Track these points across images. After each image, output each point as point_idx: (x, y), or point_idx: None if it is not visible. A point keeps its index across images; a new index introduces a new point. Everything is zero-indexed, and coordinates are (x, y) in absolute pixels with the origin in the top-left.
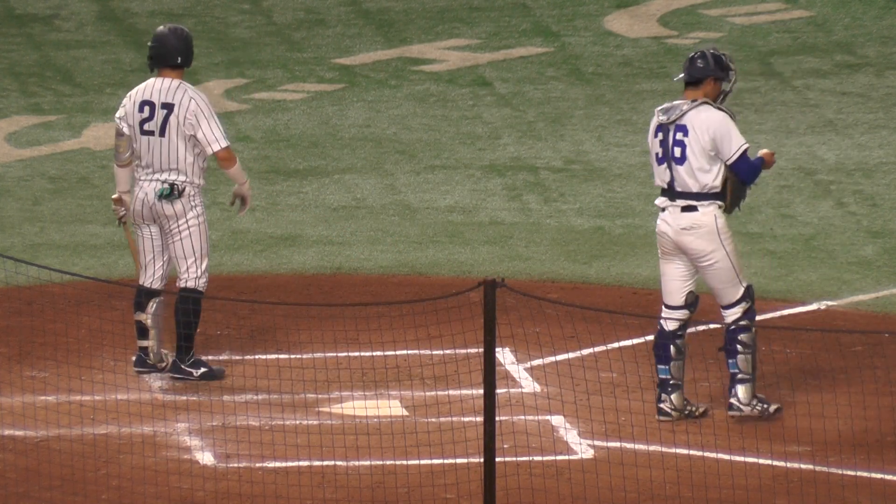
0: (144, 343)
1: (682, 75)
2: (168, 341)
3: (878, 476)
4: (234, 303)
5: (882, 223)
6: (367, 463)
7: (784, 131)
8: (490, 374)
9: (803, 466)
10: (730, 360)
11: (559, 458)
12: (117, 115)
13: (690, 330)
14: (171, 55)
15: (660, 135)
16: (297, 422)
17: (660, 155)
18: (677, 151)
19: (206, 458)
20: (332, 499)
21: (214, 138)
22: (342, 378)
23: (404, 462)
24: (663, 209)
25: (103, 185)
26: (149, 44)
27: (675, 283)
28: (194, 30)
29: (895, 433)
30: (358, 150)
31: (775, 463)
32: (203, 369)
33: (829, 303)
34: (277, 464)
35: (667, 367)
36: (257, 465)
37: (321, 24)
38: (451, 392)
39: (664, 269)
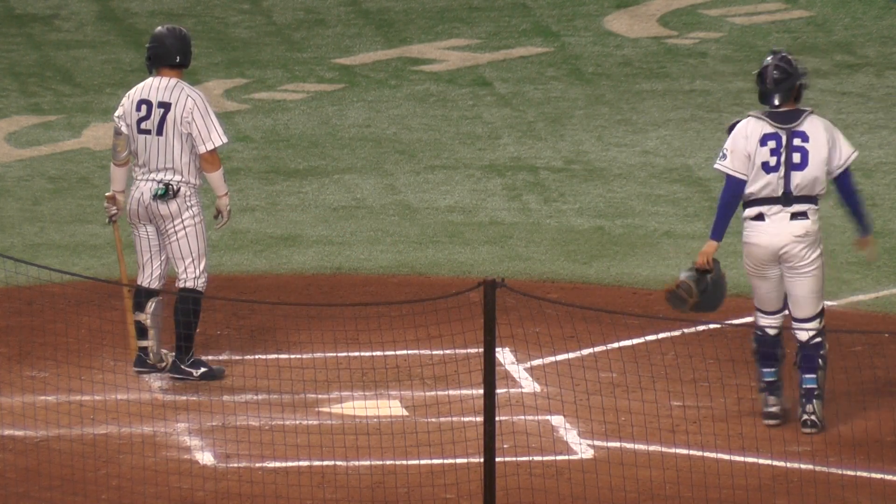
0: (144, 343)
1: (770, 89)
2: (167, 341)
3: (878, 476)
4: (234, 303)
5: (882, 223)
6: (367, 463)
7: None
8: (490, 374)
9: (803, 466)
10: (808, 376)
11: (559, 458)
12: (116, 114)
13: (689, 330)
14: (169, 55)
15: (770, 143)
16: (297, 422)
17: (772, 164)
18: (797, 157)
19: (206, 458)
20: (332, 499)
21: (209, 137)
22: (342, 378)
23: (404, 462)
24: (757, 218)
25: (103, 185)
26: (147, 44)
27: (774, 292)
28: (194, 30)
29: (895, 433)
30: (358, 150)
31: (775, 463)
32: (203, 369)
33: (830, 303)
34: (277, 464)
35: (774, 369)
36: (257, 465)
37: (321, 24)
38: (451, 392)
39: (759, 284)
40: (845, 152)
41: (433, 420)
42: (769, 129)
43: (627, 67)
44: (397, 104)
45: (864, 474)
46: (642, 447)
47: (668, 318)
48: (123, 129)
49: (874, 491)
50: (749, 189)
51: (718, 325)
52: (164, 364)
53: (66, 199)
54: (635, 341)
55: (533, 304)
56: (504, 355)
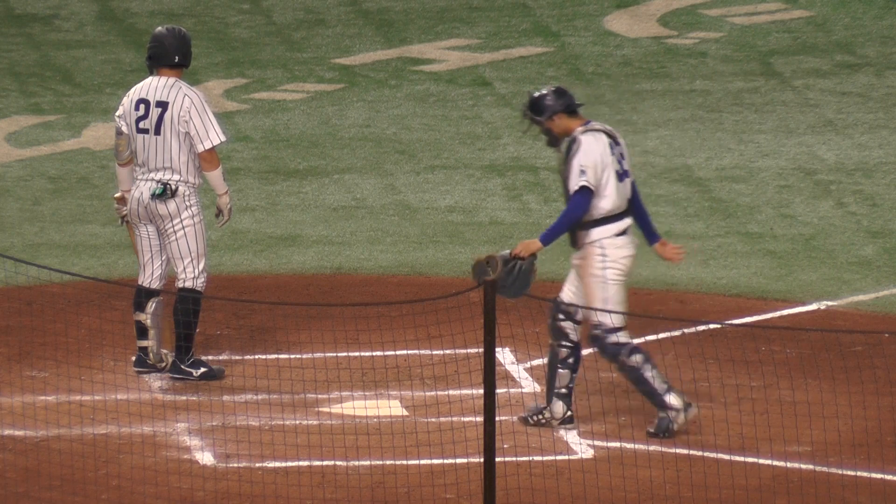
0: (144, 343)
1: (577, 103)
2: (168, 341)
3: (878, 476)
4: (234, 303)
5: (882, 223)
6: (367, 463)
7: (784, 131)
8: (490, 374)
9: (803, 466)
10: (577, 374)
11: (559, 458)
12: (116, 113)
13: (689, 330)
14: (167, 55)
15: (615, 151)
16: (297, 422)
17: (620, 172)
18: (625, 165)
19: (206, 458)
20: (332, 499)
21: (206, 136)
22: (342, 378)
23: (404, 462)
24: (623, 232)
25: (103, 185)
26: (147, 44)
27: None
28: (194, 30)
29: (895, 433)
30: (358, 150)
31: (775, 463)
32: (203, 369)
33: (829, 303)
34: (277, 464)
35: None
36: (257, 465)
37: (321, 24)
38: (451, 392)
39: (622, 293)
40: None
41: (433, 420)
42: (610, 139)
43: (627, 67)
44: (397, 104)
45: (864, 474)
46: (642, 447)
47: (667, 318)
48: (124, 128)
49: (874, 491)
50: (612, 204)
51: (718, 325)
52: (163, 364)
53: (66, 199)
54: (635, 341)
55: (533, 304)
56: (504, 355)
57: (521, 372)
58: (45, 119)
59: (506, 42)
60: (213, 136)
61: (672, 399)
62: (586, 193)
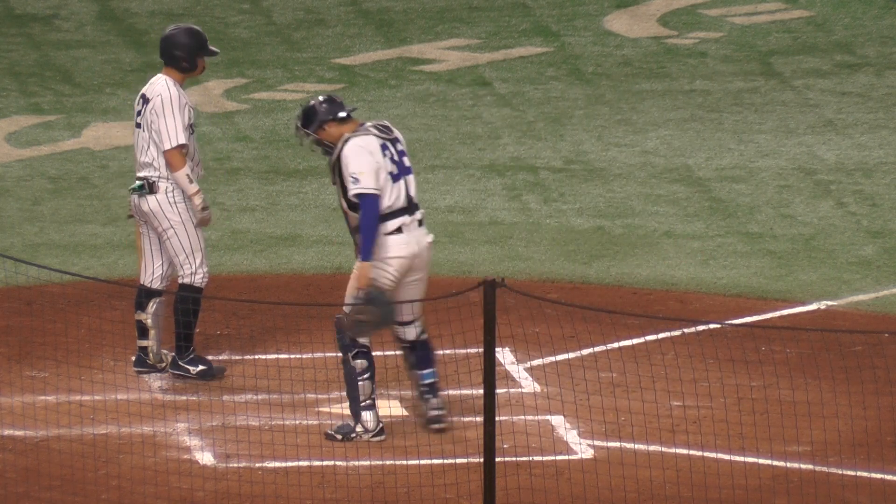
0: (144, 343)
1: (349, 109)
2: (168, 341)
3: (878, 476)
4: (234, 303)
5: (882, 223)
6: (367, 463)
7: (784, 131)
8: (490, 374)
9: (803, 466)
10: (427, 371)
11: (559, 458)
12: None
13: (689, 330)
14: (162, 54)
15: (387, 152)
16: (297, 422)
17: (395, 172)
18: (407, 161)
19: (206, 458)
20: (332, 499)
21: (168, 136)
22: (342, 378)
23: (404, 462)
24: (399, 230)
25: (103, 184)
26: None
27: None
28: None
29: (895, 433)
30: None
31: (775, 463)
32: (201, 367)
33: (829, 303)
34: (277, 464)
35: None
36: (257, 465)
37: (321, 24)
38: (452, 392)
39: (410, 292)
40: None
41: None
42: (383, 139)
43: (627, 67)
44: (397, 104)
45: (864, 474)
46: (642, 447)
47: (668, 318)
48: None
49: (874, 491)
50: (384, 204)
51: (718, 325)
52: (163, 364)
53: (66, 199)
54: (635, 341)
55: (533, 304)
56: (504, 355)
57: (521, 372)
58: (45, 119)
59: (506, 42)
60: (173, 138)
61: (368, 417)
62: (368, 198)
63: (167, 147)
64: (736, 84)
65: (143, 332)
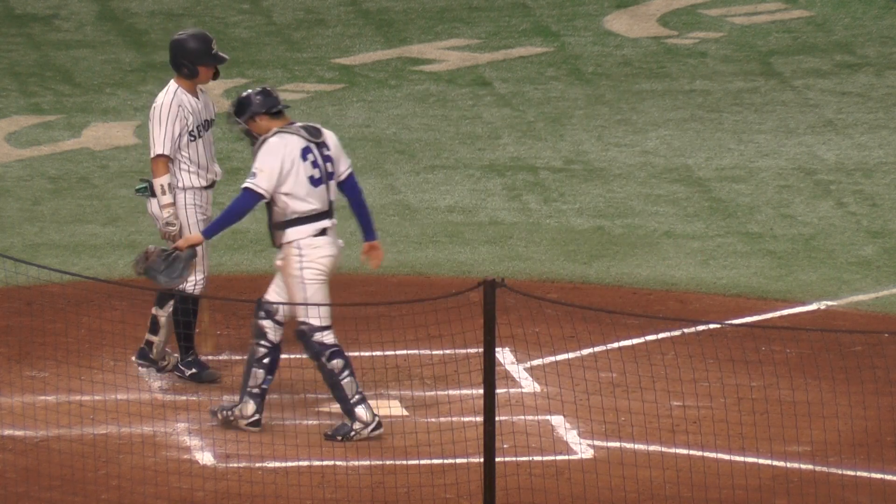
0: (152, 338)
1: (281, 106)
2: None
3: (878, 476)
4: (233, 303)
5: (882, 223)
6: (367, 463)
7: (784, 131)
8: (490, 374)
9: (803, 466)
10: (269, 377)
11: (559, 458)
12: None
13: (689, 330)
14: (169, 60)
15: (310, 156)
16: (297, 422)
17: (316, 176)
18: (330, 167)
19: (206, 458)
20: (332, 499)
21: (152, 144)
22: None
23: (404, 462)
24: (324, 231)
25: (103, 184)
26: None
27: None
28: None
29: (895, 433)
30: (358, 150)
31: (775, 463)
32: (193, 370)
33: (829, 303)
34: (277, 464)
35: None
36: (257, 465)
37: (321, 24)
38: (451, 392)
39: (326, 292)
40: (346, 160)
41: (433, 420)
42: (308, 143)
43: (627, 67)
44: (397, 104)
45: (864, 474)
46: (642, 447)
47: (668, 318)
48: None
49: (874, 491)
50: (305, 207)
51: (718, 325)
52: (165, 363)
53: (66, 199)
54: (635, 341)
55: (533, 304)
56: (504, 355)
57: (520, 372)
58: (45, 119)
59: (506, 42)
60: (157, 146)
61: (361, 411)
62: (249, 195)
63: (151, 154)
64: (736, 84)
65: (154, 326)
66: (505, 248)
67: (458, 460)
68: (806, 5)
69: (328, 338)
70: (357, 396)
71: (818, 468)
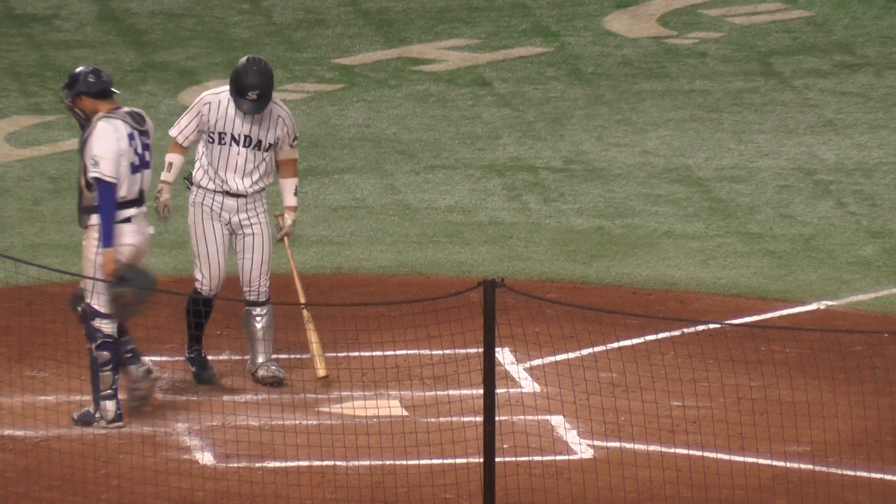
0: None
1: (101, 88)
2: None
3: (878, 476)
4: (233, 303)
5: (882, 223)
6: (367, 463)
7: (784, 131)
8: (490, 374)
9: (803, 466)
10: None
11: (559, 458)
12: None
13: (689, 330)
14: None
15: (133, 143)
16: (297, 422)
17: (136, 164)
18: (148, 156)
19: (206, 458)
20: (331, 499)
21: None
22: (342, 378)
23: (404, 462)
24: (129, 220)
25: None
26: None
27: None
28: (194, 30)
29: (895, 433)
30: (358, 150)
31: (775, 463)
32: (193, 369)
33: (829, 303)
34: (277, 464)
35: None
36: (257, 465)
37: (321, 24)
38: (451, 392)
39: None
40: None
41: (433, 420)
42: (133, 129)
43: (627, 67)
44: (397, 104)
45: (864, 474)
46: (642, 447)
47: (667, 318)
48: None
49: (874, 491)
50: (121, 192)
51: (718, 325)
52: (279, 376)
53: (66, 199)
54: (635, 341)
55: (533, 304)
56: (504, 355)
57: (520, 372)
58: (45, 119)
59: (506, 42)
60: (173, 127)
61: (108, 405)
62: (104, 185)
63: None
64: (736, 84)
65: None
66: (505, 248)
67: (458, 460)
68: (806, 5)
69: (107, 327)
70: (110, 391)
71: (818, 468)
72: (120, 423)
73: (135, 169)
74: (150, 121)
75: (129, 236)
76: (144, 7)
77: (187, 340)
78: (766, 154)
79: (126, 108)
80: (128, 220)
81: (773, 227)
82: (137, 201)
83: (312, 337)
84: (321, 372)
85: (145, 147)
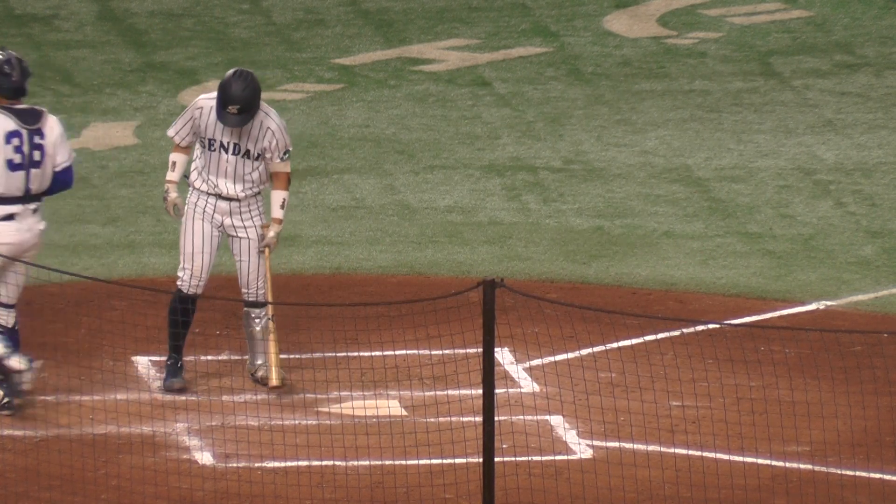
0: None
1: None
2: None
3: (878, 476)
4: (233, 303)
5: (881, 223)
6: (367, 463)
7: (783, 131)
8: (489, 374)
9: (803, 466)
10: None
11: (558, 458)
12: None
13: (689, 330)
14: None
15: (14, 140)
16: (297, 422)
17: (16, 161)
18: (37, 155)
19: (205, 458)
20: (331, 499)
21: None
22: (342, 378)
23: (404, 462)
24: (11, 217)
25: (103, 185)
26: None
27: None
28: (194, 30)
29: (895, 433)
30: (357, 150)
31: (775, 463)
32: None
33: (829, 303)
34: (277, 464)
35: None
36: (257, 465)
37: (321, 24)
38: (451, 392)
39: (14, 276)
40: (66, 153)
41: (433, 420)
42: (17, 127)
43: (627, 67)
44: (397, 104)
45: (864, 474)
46: (642, 447)
47: (667, 318)
48: None
49: (874, 491)
50: None
51: (718, 325)
52: (282, 380)
53: (65, 199)
54: (635, 341)
55: (532, 304)
56: (503, 355)
57: (520, 372)
58: None
59: (505, 42)
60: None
61: (14, 363)
62: None
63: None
64: (735, 84)
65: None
66: (504, 248)
67: (458, 460)
68: (805, 5)
69: (3, 318)
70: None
71: (817, 468)
72: (9, 411)
73: (15, 167)
74: (55, 121)
75: (7, 235)
76: (144, 7)
77: (168, 347)
78: (766, 154)
79: (24, 105)
80: (10, 217)
81: (773, 227)
82: (21, 199)
83: (272, 347)
84: (274, 381)
85: (36, 146)
